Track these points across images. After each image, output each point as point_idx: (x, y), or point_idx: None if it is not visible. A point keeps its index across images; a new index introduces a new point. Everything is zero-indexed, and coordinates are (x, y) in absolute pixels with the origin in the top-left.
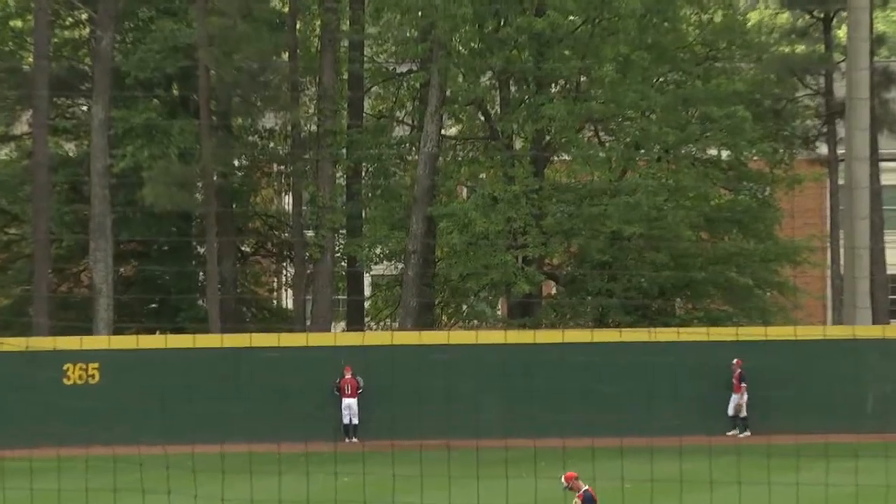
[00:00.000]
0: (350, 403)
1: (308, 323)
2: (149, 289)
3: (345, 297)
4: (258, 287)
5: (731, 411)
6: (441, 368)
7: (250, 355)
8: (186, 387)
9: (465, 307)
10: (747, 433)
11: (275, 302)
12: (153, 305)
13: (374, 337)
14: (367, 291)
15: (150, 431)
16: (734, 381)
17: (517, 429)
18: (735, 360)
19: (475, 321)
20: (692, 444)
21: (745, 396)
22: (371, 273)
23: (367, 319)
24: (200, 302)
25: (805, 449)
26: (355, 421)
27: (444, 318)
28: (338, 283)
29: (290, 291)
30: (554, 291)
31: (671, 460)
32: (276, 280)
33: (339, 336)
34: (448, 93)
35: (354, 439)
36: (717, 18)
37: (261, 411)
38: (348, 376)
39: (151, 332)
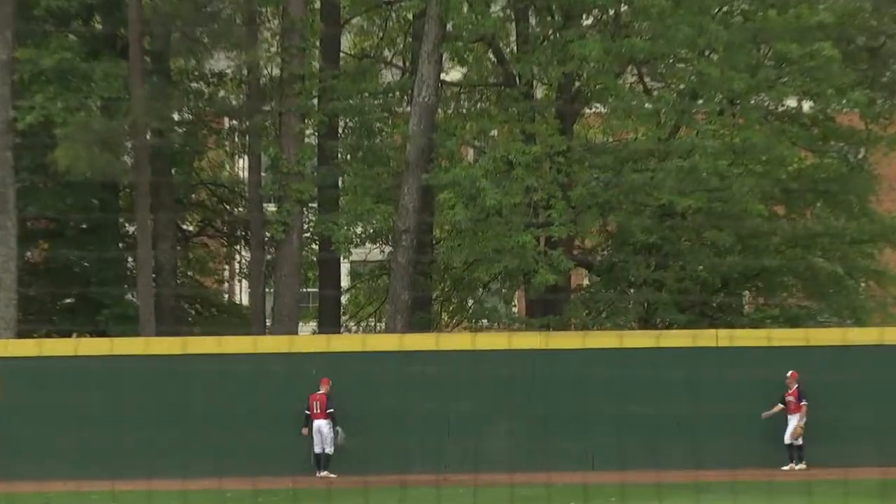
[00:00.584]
0: (319, 426)
1: (269, 323)
2: (63, 279)
3: (316, 289)
4: (204, 277)
5: (787, 438)
6: (431, 383)
7: (190, 365)
8: (106, 406)
9: (471, 303)
10: (802, 465)
11: (226, 296)
12: (68, 300)
13: (343, 341)
14: (345, 282)
15: (58, 464)
16: (789, 398)
17: (527, 461)
18: (790, 373)
19: (484, 321)
20: (746, 479)
21: (804, 419)
22: (350, 259)
23: (344, 318)
24: (130, 296)
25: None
26: (328, 450)
27: (445, 316)
28: (307, 273)
29: (244, 283)
30: (586, 283)
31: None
32: (227, 268)
33: (296, 341)
34: (450, 27)
35: (324, 473)
36: None
37: (202, 439)
38: (322, 391)
39: (66, 334)
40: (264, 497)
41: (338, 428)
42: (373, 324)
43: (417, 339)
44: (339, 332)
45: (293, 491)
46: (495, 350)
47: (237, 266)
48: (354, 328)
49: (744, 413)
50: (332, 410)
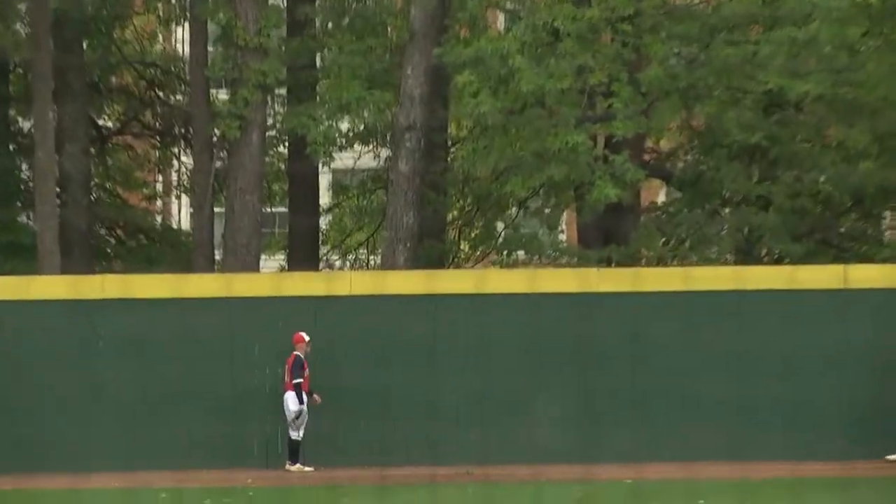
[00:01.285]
0: (285, 400)
1: (219, 256)
2: None
3: (284, 209)
4: (128, 190)
5: None
6: (442, 340)
7: (109, 314)
8: None
9: (501, 228)
10: None
11: (159, 217)
12: None
13: (318, 282)
14: (325, 200)
15: None
16: None
17: (574, 449)
18: None
19: (519, 254)
20: (853, 475)
21: None
22: (332, 168)
23: (324, 251)
24: (24, 219)
25: None
26: (293, 433)
27: (464, 247)
28: (272, 186)
29: (185, 200)
30: (662, 200)
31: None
32: (160, 179)
33: (281, 280)
34: None
35: (294, 466)
36: None
37: (121, 417)
38: (297, 351)
39: None
40: (213, 498)
41: (302, 406)
42: (363, 257)
43: (452, 277)
44: (316, 269)
45: (251, 491)
46: (561, 294)
47: (174, 177)
48: (339, 263)
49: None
50: (299, 380)
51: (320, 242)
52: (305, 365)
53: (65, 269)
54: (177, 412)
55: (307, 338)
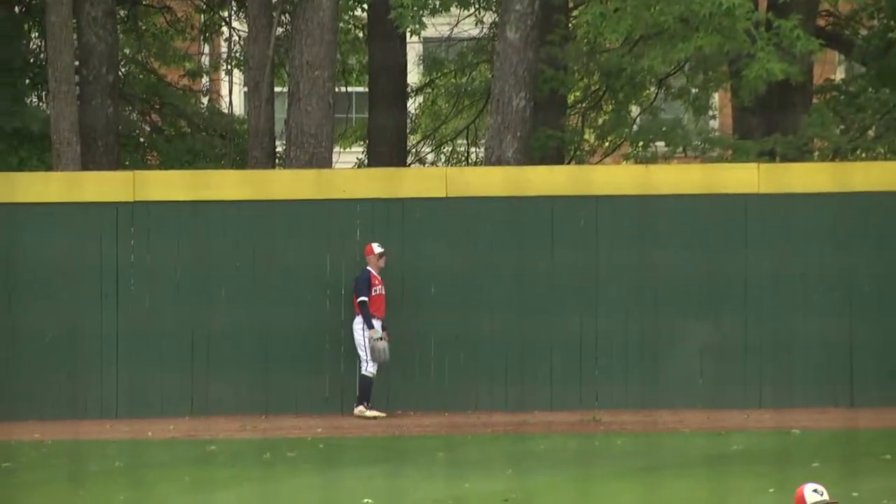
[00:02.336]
0: (380, 330)
1: (281, 148)
2: None
3: (363, 88)
4: (166, 65)
5: None
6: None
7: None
8: None
9: (636, 113)
10: None
11: (205, 100)
12: None
13: (420, 178)
14: (414, 78)
15: None
16: None
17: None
18: None
19: (658, 145)
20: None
21: None
22: (422, 36)
23: (413, 140)
24: (34, 100)
25: None
26: (364, 368)
27: (589, 137)
28: (347, 60)
29: (238, 77)
30: (840, 78)
31: None
32: (205, 50)
33: (326, 177)
34: None
35: (359, 408)
36: None
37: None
38: (372, 269)
39: None
40: (274, 451)
41: (370, 333)
42: (462, 148)
43: (606, 173)
44: (403, 163)
45: (321, 443)
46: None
47: (224, 48)
48: (431, 156)
49: None
50: (362, 299)
51: (408, 131)
52: (375, 282)
53: (85, 164)
54: (236, 351)
55: (378, 249)
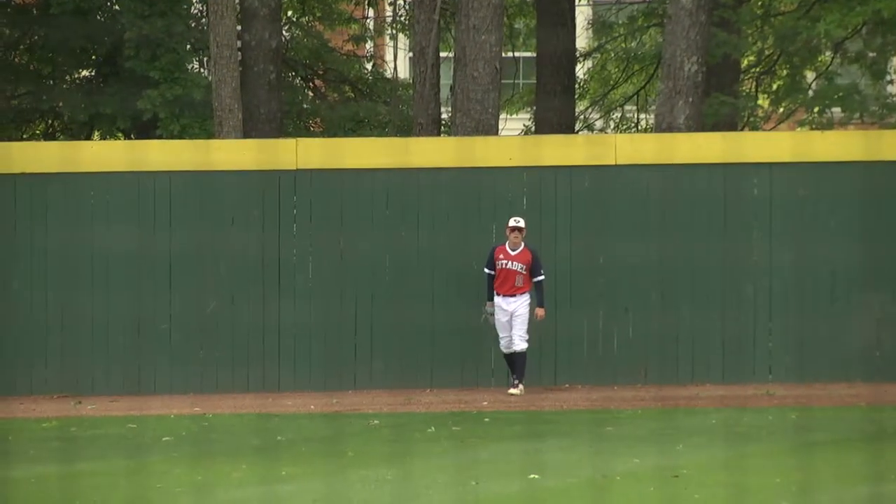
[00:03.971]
0: (503, 306)
1: (446, 115)
2: (59, 29)
3: (530, 54)
4: (330, 28)
5: None
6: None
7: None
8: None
9: (812, 79)
10: None
11: (368, 65)
12: (82, 74)
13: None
14: (583, 43)
15: None
16: None
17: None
18: None
19: (835, 111)
20: None
21: None
22: None
23: (581, 107)
24: (196, 66)
25: None
26: (519, 346)
27: (763, 102)
28: (514, 23)
29: (403, 41)
30: None
31: None
32: (369, 13)
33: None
34: None
35: (514, 388)
36: None
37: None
38: (509, 247)
39: (74, 134)
40: (439, 425)
41: (486, 308)
42: (631, 114)
43: (757, 139)
44: (572, 130)
45: (486, 416)
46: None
47: (388, 11)
48: (600, 123)
49: None
50: (487, 272)
51: (576, 97)
52: (500, 255)
53: (248, 132)
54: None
55: (513, 223)
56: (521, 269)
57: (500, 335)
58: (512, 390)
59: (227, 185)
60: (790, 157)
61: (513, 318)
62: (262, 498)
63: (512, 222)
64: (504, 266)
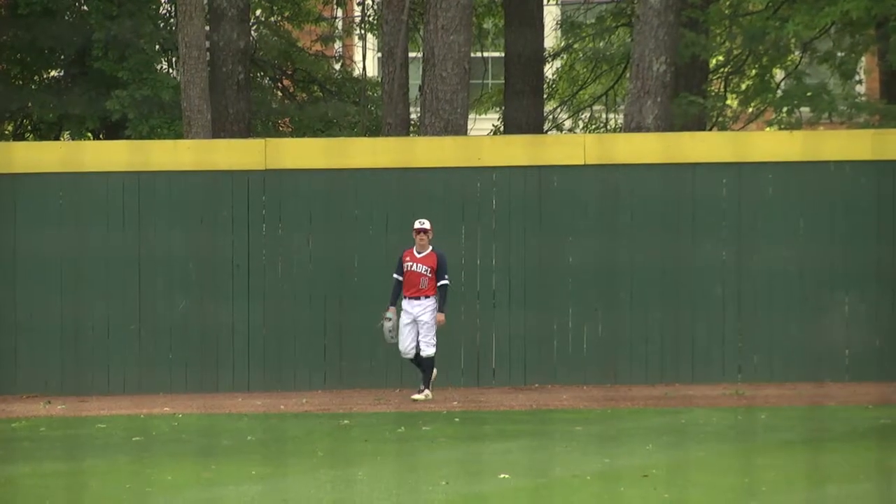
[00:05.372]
0: (408, 308)
1: (415, 115)
2: (33, 29)
3: (498, 54)
4: (299, 28)
5: None
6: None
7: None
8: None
9: (780, 78)
10: None
11: (337, 65)
12: (51, 75)
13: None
14: (551, 43)
15: None
16: None
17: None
18: None
19: (802, 111)
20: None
21: None
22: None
23: (549, 107)
24: (162, 65)
25: None
26: (426, 351)
27: (731, 102)
28: (482, 24)
29: (372, 41)
30: None
31: None
32: (338, 13)
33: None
34: None
35: (418, 394)
36: None
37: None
38: (416, 250)
39: (43, 134)
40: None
41: (384, 314)
42: (599, 114)
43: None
44: (540, 131)
45: (456, 416)
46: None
47: (357, 11)
48: (568, 123)
49: None
50: (394, 276)
51: (545, 97)
52: (406, 259)
53: (216, 132)
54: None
55: (418, 224)
56: (427, 271)
57: (400, 338)
58: (416, 395)
59: (196, 186)
60: (760, 157)
61: (418, 323)
62: (233, 498)
63: (417, 224)
64: (410, 268)
